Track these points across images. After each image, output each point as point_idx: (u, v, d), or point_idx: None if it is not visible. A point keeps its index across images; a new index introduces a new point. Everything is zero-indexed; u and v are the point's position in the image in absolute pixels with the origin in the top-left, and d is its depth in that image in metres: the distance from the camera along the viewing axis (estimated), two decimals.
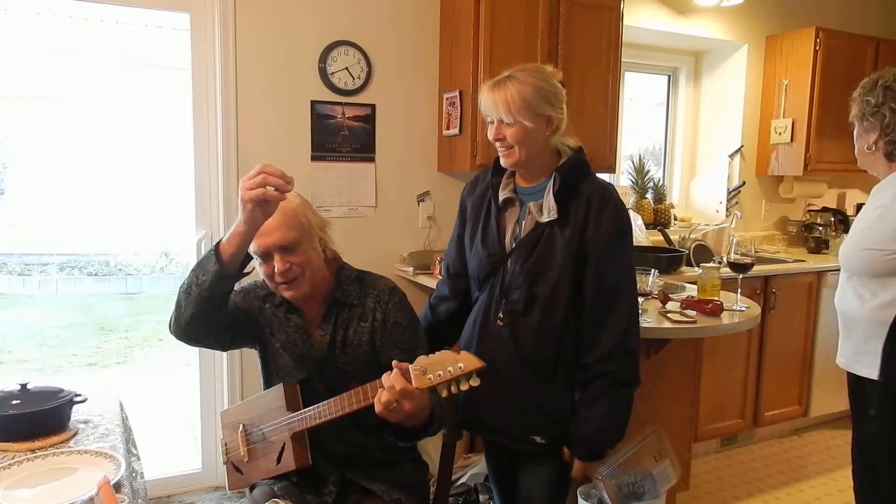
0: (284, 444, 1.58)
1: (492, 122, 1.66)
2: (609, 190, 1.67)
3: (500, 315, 1.69)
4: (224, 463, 1.74)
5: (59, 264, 7.91)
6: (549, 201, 1.63)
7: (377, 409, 1.35)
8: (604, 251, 1.60)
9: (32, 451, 1.45)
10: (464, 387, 1.26)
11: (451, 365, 1.26)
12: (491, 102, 1.62)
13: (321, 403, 1.52)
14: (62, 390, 1.60)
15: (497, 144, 1.67)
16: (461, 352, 1.28)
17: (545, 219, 1.63)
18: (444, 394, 1.28)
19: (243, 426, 1.69)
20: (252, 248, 1.56)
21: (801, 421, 3.82)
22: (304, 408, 1.58)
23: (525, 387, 1.67)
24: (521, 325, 1.66)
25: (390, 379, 1.33)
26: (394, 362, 1.35)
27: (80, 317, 6.90)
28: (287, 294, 1.62)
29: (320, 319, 1.68)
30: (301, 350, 1.68)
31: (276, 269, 1.56)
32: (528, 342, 1.66)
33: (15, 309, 7.11)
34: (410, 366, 1.30)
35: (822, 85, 3.88)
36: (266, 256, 1.57)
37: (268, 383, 1.76)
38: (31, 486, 1.31)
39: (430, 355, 1.30)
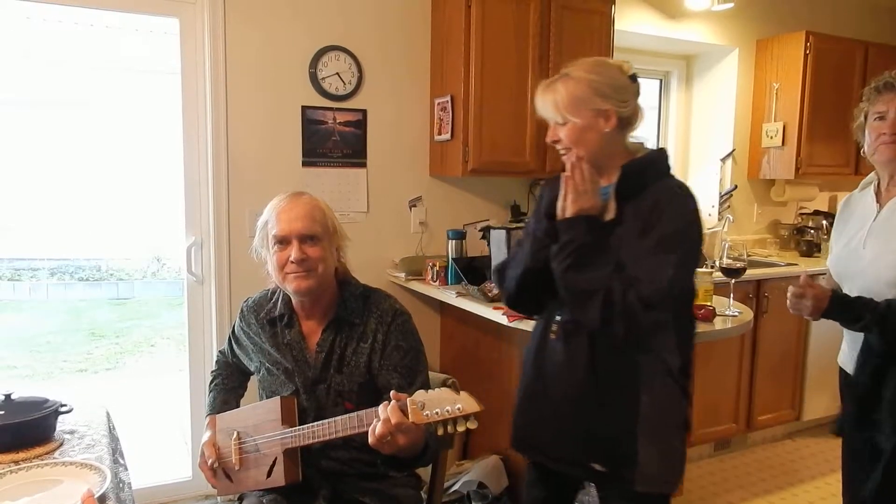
0: (276, 458, 1.57)
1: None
2: (680, 193, 1.49)
3: (554, 328, 1.58)
4: (213, 467, 1.72)
5: (49, 269, 7.86)
6: (609, 200, 1.51)
7: (371, 440, 1.33)
8: (644, 256, 1.42)
9: (16, 462, 1.43)
10: (460, 428, 1.23)
11: (449, 405, 1.24)
12: (541, 105, 1.55)
13: (316, 423, 1.51)
14: (47, 400, 1.58)
15: (556, 147, 1.56)
16: (461, 392, 1.25)
17: (607, 218, 1.49)
18: (440, 432, 1.25)
19: (237, 433, 1.68)
20: (274, 231, 1.61)
21: (794, 425, 3.82)
22: (299, 424, 1.57)
23: (581, 407, 1.53)
24: (575, 339, 1.53)
25: (387, 411, 1.30)
26: (392, 393, 1.33)
27: (70, 322, 6.85)
28: (294, 284, 1.61)
29: (318, 335, 1.67)
30: (290, 367, 1.67)
31: (291, 257, 1.58)
32: (582, 359, 1.51)
33: (5, 314, 7.05)
34: (409, 399, 1.28)
35: (812, 88, 3.89)
36: (285, 242, 1.60)
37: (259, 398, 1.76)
38: (14, 498, 1.29)
39: (430, 391, 1.28)
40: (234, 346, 1.88)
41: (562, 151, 1.55)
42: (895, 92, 1.74)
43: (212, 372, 1.95)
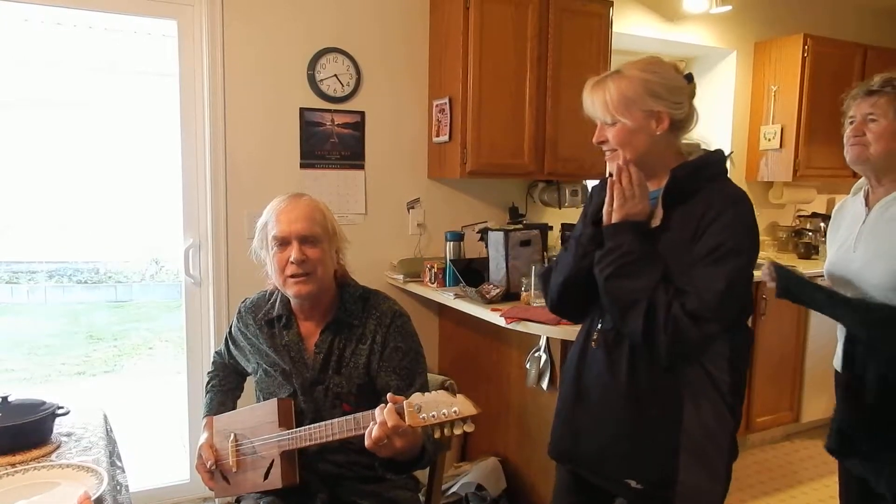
0: (273, 460, 1.56)
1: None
2: (734, 198, 1.40)
3: (595, 336, 1.52)
4: (211, 469, 1.71)
5: (47, 272, 7.85)
6: (657, 206, 1.44)
7: (367, 443, 1.32)
8: (694, 267, 1.35)
9: (13, 465, 1.42)
10: (457, 431, 1.23)
11: (445, 407, 1.23)
12: (589, 103, 1.47)
13: (313, 425, 1.50)
14: (44, 403, 1.58)
15: (602, 148, 1.50)
16: (458, 395, 1.25)
17: (652, 225, 1.43)
18: (437, 435, 1.25)
19: (234, 435, 1.67)
20: (274, 232, 1.61)
21: (792, 427, 3.82)
22: (296, 426, 1.57)
23: (620, 420, 1.47)
24: (616, 349, 1.47)
25: (384, 414, 1.29)
26: (388, 395, 1.33)
27: (68, 325, 6.85)
28: (294, 288, 1.61)
29: (317, 336, 1.67)
30: (288, 369, 1.67)
31: (291, 258, 1.58)
32: (623, 374, 1.45)
33: (3, 317, 7.05)
34: (406, 401, 1.28)
35: (810, 91, 3.91)
36: (285, 243, 1.60)
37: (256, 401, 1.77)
38: (12, 501, 1.29)
39: (427, 394, 1.27)
40: (231, 348, 1.88)
41: (607, 153, 1.49)
42: (862, 97, 1.78)
43: (208, 373, 1.95)
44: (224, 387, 1.90)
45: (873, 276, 1.74)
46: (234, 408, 1.88)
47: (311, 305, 1.68)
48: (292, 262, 1.58)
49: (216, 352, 1.97)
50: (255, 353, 1.75)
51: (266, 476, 1.57)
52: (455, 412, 1.22)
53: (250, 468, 1.62)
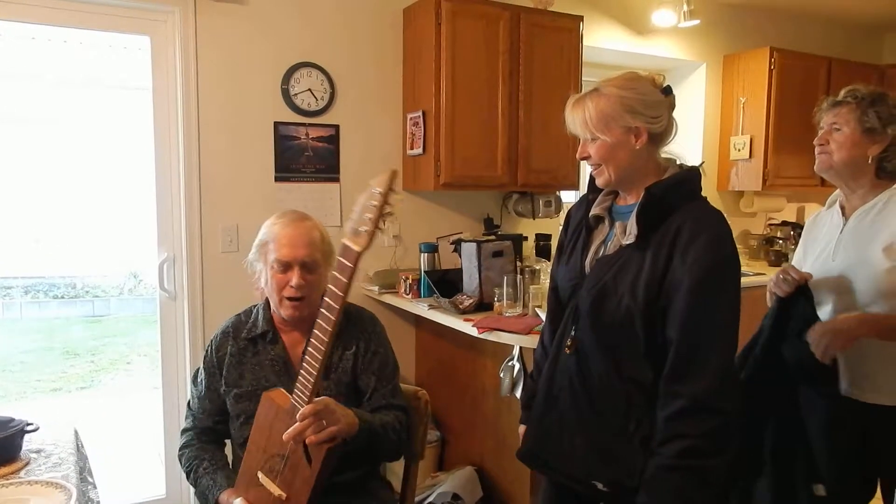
0: (296, 450, 1.48)
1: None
2: (709, 218, 1.41)
3: (568, 342, 1.53)
4: None
5: (23, 287, 7.74)
6: (631, 222, 1.45)
7: (312, 440, 1.42)
8: (690, 293, 1.35)
9: None
10: (392, 201, 1.27)
11: (368, 200, 1.28)
12: (570, 120, 1.52)
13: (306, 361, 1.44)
14: (13, 419, 1.58)
15: (587, 163, 1.54)
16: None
17: (626, 242, 1.45)
18: (383, 227, 1.29)
19: (260, 472, 1.56)
20: (276, 255, 1.65)
21: None
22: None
23: (589, 427, 1.48)
24: (587, 358, 1.49)
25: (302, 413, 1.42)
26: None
27: (44, 341, 6.75)
28: (289, 311, 1.67)
29: (303, 345, 1.69)
30: (273, 382, 1.67)
31: (292, 283, 1.63)
32: (593, 380, 1.47)
33: None
34: (342, 240, 1.34)
35: (777, 102, 4.00)
36: (287, 267, 1.65)
37: (235, 431, 1.75)
38: None
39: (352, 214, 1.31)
40: (209, 404, 1.77)
41: (592, 168, 1.53)
42: (828, 108, 1.84)
43: (189, 459, 1.76)
44: (218, 463, 1.75)
45: (855, 282, 1.78)
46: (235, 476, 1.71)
47: (299, 318, 1.71)
48: (291, 286, 1.63)
49: (182, 446, 1.81)
50: (239, 376, 1.72)
51: (309, 462, 1.47)
52: (377, 194, 1.27)
53: (297, 477, 1.49)
